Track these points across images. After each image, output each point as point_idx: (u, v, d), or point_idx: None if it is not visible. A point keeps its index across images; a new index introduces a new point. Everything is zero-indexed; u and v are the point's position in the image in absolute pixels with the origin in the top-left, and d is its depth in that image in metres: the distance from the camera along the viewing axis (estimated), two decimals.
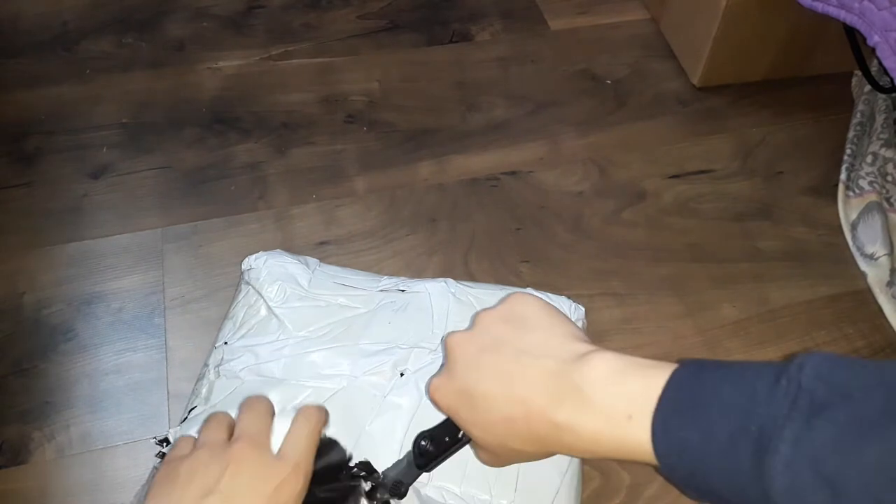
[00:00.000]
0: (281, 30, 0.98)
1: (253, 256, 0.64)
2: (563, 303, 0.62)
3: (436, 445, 0.46)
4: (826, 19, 0.74)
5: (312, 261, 0.64)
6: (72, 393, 0.66)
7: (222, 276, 0.74)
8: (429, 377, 0.53)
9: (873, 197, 0.81)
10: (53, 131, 0.86)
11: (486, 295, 0.62)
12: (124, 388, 0.67)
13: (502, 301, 0.44)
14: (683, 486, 0.34)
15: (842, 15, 0.72)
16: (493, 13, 1.01)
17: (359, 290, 0.62)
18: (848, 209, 0.81)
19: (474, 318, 0.44)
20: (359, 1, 1.02)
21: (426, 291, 0.62)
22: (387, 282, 0.63)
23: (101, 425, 0.64)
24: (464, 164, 0.84)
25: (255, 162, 0.83)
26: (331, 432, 0.50)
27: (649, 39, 0.99)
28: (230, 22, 0.99)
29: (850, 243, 0.79)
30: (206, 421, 0.46)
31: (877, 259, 0.76)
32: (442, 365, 0.47)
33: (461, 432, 0.45)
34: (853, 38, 0.81)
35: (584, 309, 0.62)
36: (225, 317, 0.63)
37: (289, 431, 0.45)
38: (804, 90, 0.93)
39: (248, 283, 0.63)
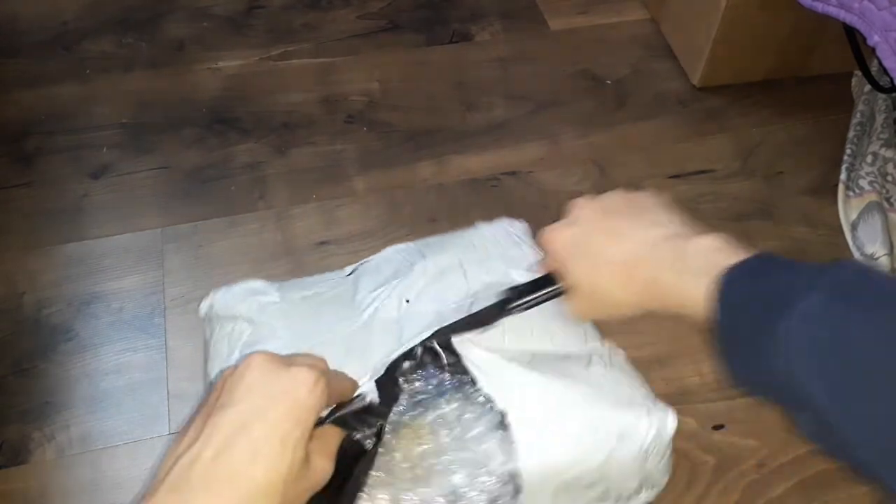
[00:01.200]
0: (281, 30, 0.98)
1: (209, 295, 0.61)
2: (504, 224, 0.66)
3: (526, 289, 0.51)
4: (826, 19, 0.74)
5: (271, 283, 0.63)
6: (72, 393, 0.66)
7: (222, 276, 0.74)
8: (433, 293, 0.56)
9: (873, 197, 0.81)
10: (53, 131, 0.86)
11: (444, 237, 0.65)
12: (124, 388, 0.67)
13: (624, 193, 0.52)
14: (728, 357, 0.38)
15: (842, 15, 0.72)
16: (493, 13, 1.01)
17: (328, 280, 0.63)
18: (848, 209, 0.81)
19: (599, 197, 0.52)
20: (359, 1, 1.02)
21: (390, 252, 0.64)
22: (350, 267, 0.65)
23: (101, 425, 0.64)
24: (464, 164, 0.84)
25: (255, 162, 0.83)
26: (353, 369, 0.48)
27: (649, 39, 0.99)
28: (230, 22, 0.99)
29: (850, 243, 0.79)
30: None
31: (877, 259, 0.76)
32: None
33: (555, 285, 0.50)
34: (853, 38, 0.81)
35: (525, 223, 0.67)
36: (206, 361, 0.59)
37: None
38: (804, 90, 0.93)
39: (217, 318, 0.60)
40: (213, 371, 0.57)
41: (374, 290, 0.59)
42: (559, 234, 0.50)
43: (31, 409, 0.65)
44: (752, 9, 0.84)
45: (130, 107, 0.88)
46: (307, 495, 0.39)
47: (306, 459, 0.38)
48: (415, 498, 0.47)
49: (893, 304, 0.33)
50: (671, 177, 0.84)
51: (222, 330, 0.59)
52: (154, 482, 0.36)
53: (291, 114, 0.88)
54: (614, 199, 0.50)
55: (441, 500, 0.47)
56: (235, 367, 0.40)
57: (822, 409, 0.32)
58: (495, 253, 0.62)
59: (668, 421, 0.52)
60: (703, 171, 0.85)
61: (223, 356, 0.57)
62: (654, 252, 0.45)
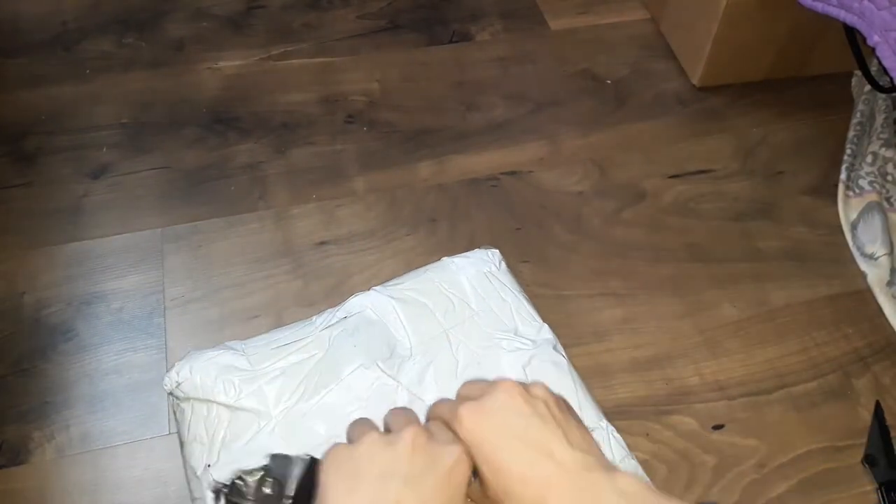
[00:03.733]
0: (281, 30, 0.98)
1: (173, 370, 0.57)
2: (479, 253, 0.65)
3: None
4: (826, 19, 0.74)
5: (234, 343, 0.60)
6: (72, 393, 0.66)
7: (222, 276, 0.74)
8: (428, 381, 0.53)
9: (873, 197, 0.81)
10: (53, 131, 0.86)
11: (416, 284, 0.62)
12: (124, 388, 0.67)
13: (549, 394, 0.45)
14: None
15: (842, 15, 0.72)
16: (493, 13, 1.01)
17: (302, 340, 0.59)
18: (848, 209, 0.81)
19: (517, 387, 0.43)
20: (359, 1, 1.02)
21: (366, 307, 0.61)
22: (321, 320, 0.61)
23: (101, 425, 0.64)
24: (464, 164, 0.84)
25: (255, 162, 0.83)
26: None
27: (649, 39, 0.99)
28: (230, 22, 0.99)
29: (850, 243, 0.79)
30: (353, 424, 0.45)
31: (877, 259, 0.76)
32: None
33: None
34: (853, 38, 0.81)
35: (498, 251, 0.66)
36: (183, 443, 0.56)
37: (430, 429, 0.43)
38: (804, 90, 0.93)
39: (186, 399, 0.56)
40: (194, 455, 0.54)
41: (356, 368, 0.57)
42: (477, 415, 0.42)
43: (31, 409, 0.65)
44: (752, 9, 0.84)
45: (130, 107, 0.88)
46: None
47: None
48: None
49: None
50: (671, 177, 0.84)
51: (197, 413, 0.55)
52: None
53: (291, 114, 0.88)
54: (538, 394, 0.43)
55: None
56: (395, 437, 0.40)
57: None
58: (480, 311, 0.61)
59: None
60: (703, 171, 0.85)
61: (204, 441, 0.54)
62: (574, 483, 0.39)
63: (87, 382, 0.67)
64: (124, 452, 0.63)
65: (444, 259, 0.65)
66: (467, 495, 0.42)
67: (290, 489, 0.40)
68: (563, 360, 0.59)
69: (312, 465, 0.41)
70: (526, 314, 0.62)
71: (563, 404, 0.43)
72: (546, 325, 0.62)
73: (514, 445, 0.40)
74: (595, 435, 0.47)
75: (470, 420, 0.41)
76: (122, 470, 0.62)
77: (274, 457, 0.41)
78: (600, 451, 0.41)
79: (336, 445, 0.42)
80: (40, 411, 0.65)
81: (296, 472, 0.41)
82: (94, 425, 0.64)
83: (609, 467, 0.39)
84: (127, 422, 0.65)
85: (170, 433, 0.64)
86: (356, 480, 0.39)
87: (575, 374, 0.59)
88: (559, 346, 0.61)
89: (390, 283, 0.63)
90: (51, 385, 0.67)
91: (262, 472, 0.40)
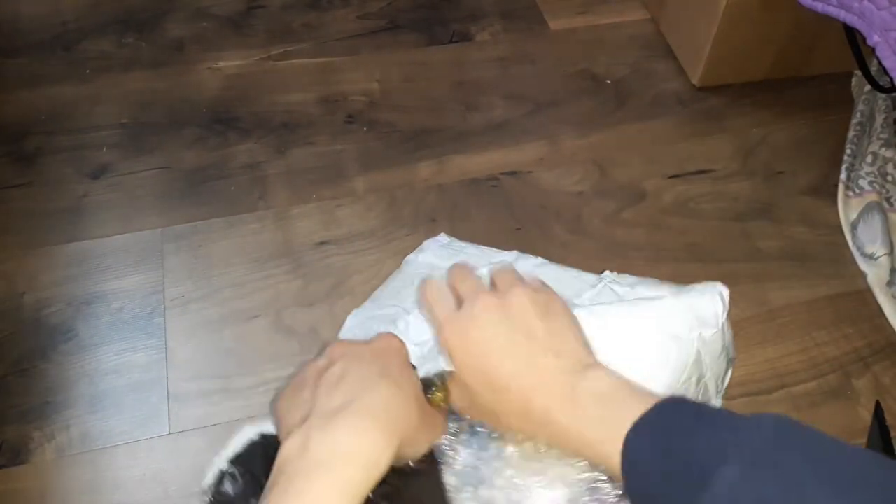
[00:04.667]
0: (281, 30, 0.98)
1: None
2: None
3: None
4: (826, 19, 0.74)
5: None
6: (72, 393, 0.66)
7: (222, 276, 0.74)
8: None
9: (873, 197, 0.81)
10: (53, 131, 0.85)
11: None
12: (124, 388, 0.67)
13: (535, 282, 0.46)
14: None
15: (842, 15, 0.72)
16: (493, 13, 1.01)
17: None
18: (848, 209, 0.81)
19: (505, 280, 0.45)
20: (359, 1, 1.02)
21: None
22: None
23: (101, 425, 0.64)
24: (464, 164, 0.84)
25: (255, 162, 0.83)
26: None
27: (649, 39, 0.99)
28: (230, 22, 0.99)
29: (850, 243, 0.79)
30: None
31: (877, 259, 0.76)
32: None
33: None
34: (853, 38, 0.81)
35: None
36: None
37: None
38: (804, 90, 0.93)
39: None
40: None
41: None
42: (457, 330, 0.43)
43: (31, 409, 0.65)
44: (752, 9, 0.84)
45: (130, 107, 0.88)
46: (426, 445, 0.42)
47: (424, 410, 0.40)
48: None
49: (813, 472, 0.31)
50: (671, 177, 0.84)
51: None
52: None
53: (291, 114, 0.88)
54: (520, 300, 0.43)
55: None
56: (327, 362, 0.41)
57: None
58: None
59: (722, 290, 0.50)
60: (703, 171, 0.85)
61: None
62: (549, 395, 0.40)
63: (87, 382, 0.67)
64: (124, 452, 0.63)
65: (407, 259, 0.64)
66: (431, 403, 0.44)
67: None
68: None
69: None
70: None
71: (543, 298, 0.44)
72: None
73: (493, 358, 0.42)
74: None
75: (449, 330, 0.43)
76: (121, 470, 0.62)
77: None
78: (577, 342, 0.42)
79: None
80: (40, 411, 0.65)
81: None
82: (94, 425, 0.64)
83: (586, 365, 0.40)
84: (127, 422, 0.65)
85: (169, 433, 0.64)
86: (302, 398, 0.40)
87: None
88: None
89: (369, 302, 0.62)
90: (51, 385, 0.67)
91: None
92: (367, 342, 0.43)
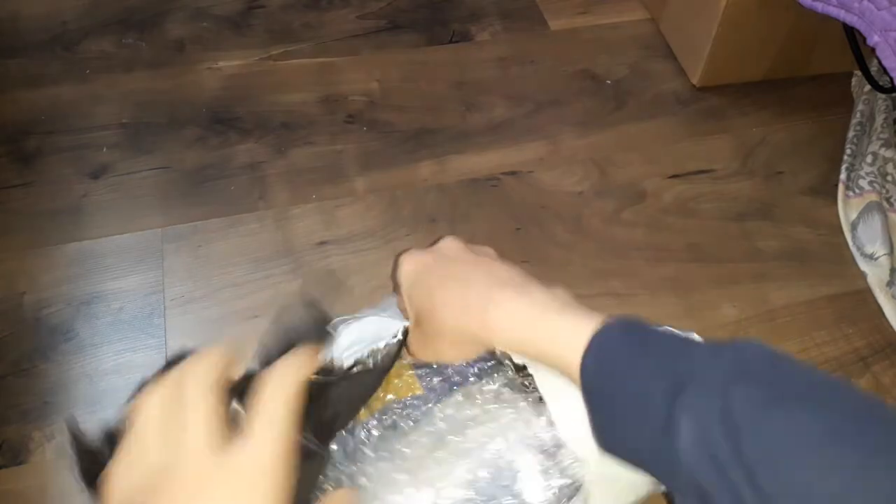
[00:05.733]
0: (281, 30, 0.98)
1: None
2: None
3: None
4: (826, 19, 0.75)
5: None
6: (72, 393, 0.66)
7: (222, 276, 0.74)
8: None
9: (873, 197, 0.81)
10: (53, 131, 0.85)
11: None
12: (124, 389, 0.66)
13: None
14: (597, 429, 0.38)
15: (842, 15, 0.72)
16: (493, 13, 1.01)
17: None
18: (848, 209, 0.81)
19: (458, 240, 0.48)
20: (359, 1, 1.02)
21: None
22: None
23: (101, 425, 0.64)
24: (464, 164, 0.84)
25: (255, 162, 0.83)
26: None
27: (649, 39, 0.99)
28: (230, 22, 0.99)
29: (850, 243, 0.79)
30: (127, 434, 0.37)
31: (877, 259, 0.76)
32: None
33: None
34: (853, 38, 0.81)
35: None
36: None
37: (249, 409, 0.34)
38: (804, 90, 0.93)
39: None
40: None
41: None
42: (415, 258, 0.47)
43: (31, 409, 0.65)
44: (751, 9, 0.84)
45: (130, 107, 0.88)
46: None
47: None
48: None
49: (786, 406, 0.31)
50: (671, 177, 0.84)
51: None
52: None
53: (291, 114, 0.88)
54: (483, 252, 0.47)
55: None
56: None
57: None
58: None
59: None
60: (702, 171, 0.85)
61: None
62: (511, 300, 0.42)
63: (87, 382, 0.67)
64: None
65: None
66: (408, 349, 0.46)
67: None
68: None
69: None
70: None
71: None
72: None
73: (451, 285, 0.43)
74: None
75: (408, 264, 0.46)
76: None
77: None
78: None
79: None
80: (40, 411, 0.65)
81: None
82: (94, 425, 0.64)
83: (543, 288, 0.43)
84: None
85: None
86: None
87: None
88: None
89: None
90: (51, 385, 0.67)
91: None
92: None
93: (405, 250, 0.48)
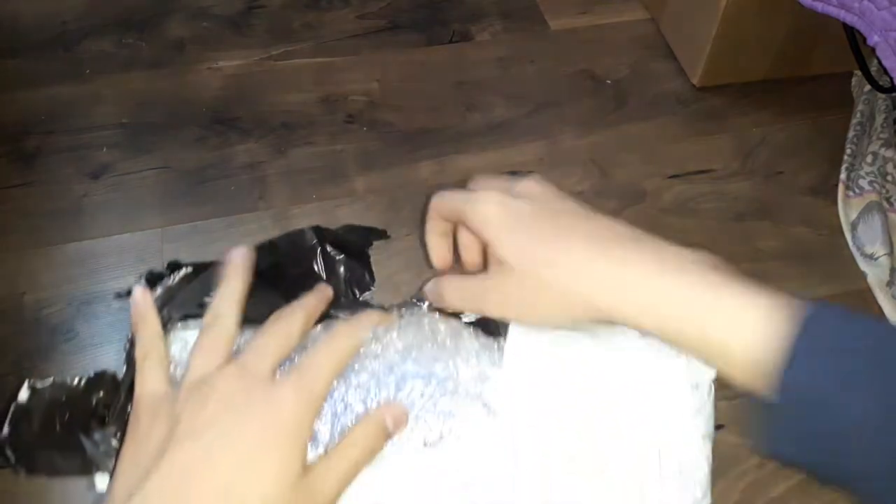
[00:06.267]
0: (281, 30, 0.98)
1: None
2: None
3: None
4: (826, 19, 0.74)
5: None
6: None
7: None
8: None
9: (873, 197, 0.81)
10: (53, 131, 0.85)
11: None
12: None
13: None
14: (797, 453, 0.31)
15: (842, 15, 0.72)
16: (493, 13, 1.01)
17: None
18: (848, 209, 0.81)
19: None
20: (359, 1, 1.02)
21: None
22: None
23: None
24: (464, 164, 0.84)
25: (255, 162, 0.83)
26: None
27: (649, 39, 0.99)
28: (230, 22, 0.99)
29: (850, 243, 0.79)
30: (203, 330, 0.38)
31: (877, 259, 0.76)
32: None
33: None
34: (853, 38, 0.81)
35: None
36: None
37: (305, 354, 0.37)
38: (804, 90, 0.93)
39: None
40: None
41: None
42: (503, 202, 0.41)
43: None
44: (751, 8, 0.84)
45: (130, 107, 0.88)
46: None
47: (306, 492, 0.32)
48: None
49: None
50: (671, 177, 0.84)
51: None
52: None
53: (291, 114, 0.88)
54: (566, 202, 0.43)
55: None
56: (200, 382, 0.34)
57: None
58: None
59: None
60: (702, 171, 0.85)
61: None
62: (642, 248, 0.38)
63: None
64: None
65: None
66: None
67: None
68: None
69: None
70: None
71: None
72: None
73: (572, 240, 0.40)
74: None
75: (494, 206, 0.41)
76: None
77: None
78: None
79: (142, 385, 0.38)
80: None
81: None
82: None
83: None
84: None
85: None
86: (144, 448, 0.34)
87: None
88: None
89: None
90: None
91: None
92: None
93: (477, 182, 0.45)
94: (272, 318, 0.39)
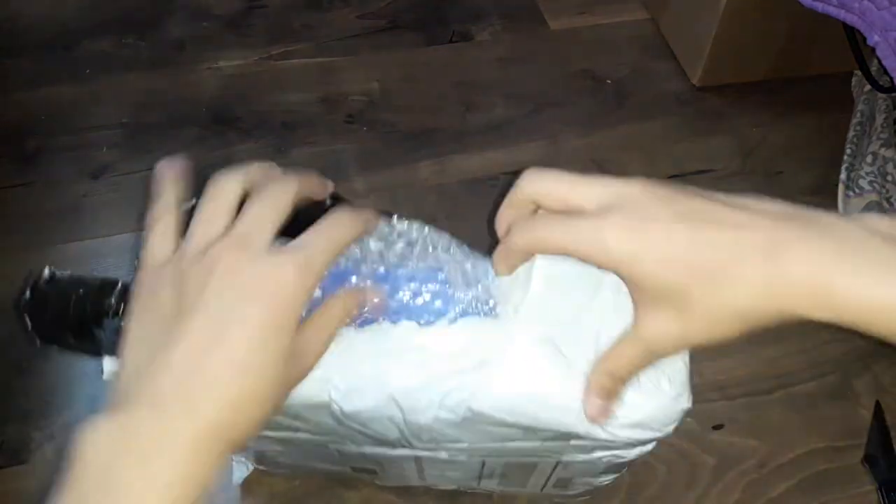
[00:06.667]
0: (281, 30, 0.98)
1: None
2: None
3: None
4: (826, 19, 0.74)
5: None
6: (72, 393, 0.66)
7: None
8: None
9: (873, 197, 0.81)
10: (53, 131, 0.85)
11: None
12: None
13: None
14: None
15: (842, 15, 0.72)
16: (493, 13, 1.01)
17: None
18: (848, 209, 0.81)
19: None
20: (359, 1, 1.02)
21: None
22: None
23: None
24: (464, 164, 0.84)
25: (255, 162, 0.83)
26: None
27: (649, 39, 0.99)
28: (230, 22, 0.99)
29: None
30: (203, 198, 0.39)
31: None
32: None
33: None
34: (853, 38, 0.81)
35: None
36: None
37: (306, 232, 0.36)
38: (804, 90, 0.93)
39: None
40: None
41: None
42: (625, 214, 0.33)
43: (31, 409, 0.65)
44: (751, 8, 0.84)
45: (130, 107, 0.88)
46: (296, 386, 0.35)
47: (296, 355, 0.34)
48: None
49: None
50: (671, 177, 0.84)
51: None
52: (117, 393, 0.32)
53: (291, 114, 0.88)
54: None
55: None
56: (201, 253, 0.34)
57: None
58: None
59: None
60: (702, 171, 0.85)
61: None
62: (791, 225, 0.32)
63: (87, 382, 0.67)
64: None
65: None
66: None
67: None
68: None
69: None
70: None
71: None
72: None
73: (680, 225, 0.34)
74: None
75: (621, 233, 0.33)
76: None
77: None
78: None
79: (149, 250, 0.38)
80: (40, 411, 0.65)
81: None
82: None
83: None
84: None
85: None
86: (152, 320, 0.35)
87: None
88: None
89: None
90: (51, 385, 0.66)
91: None
92: None
93: (537, 181, 0.37)
94: (266, 183, 0.39)
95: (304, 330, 0.35)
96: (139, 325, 0.34)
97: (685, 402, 0.43)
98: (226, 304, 0.32)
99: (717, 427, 0.66)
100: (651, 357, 0.36)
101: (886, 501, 0.62)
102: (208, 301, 0.32)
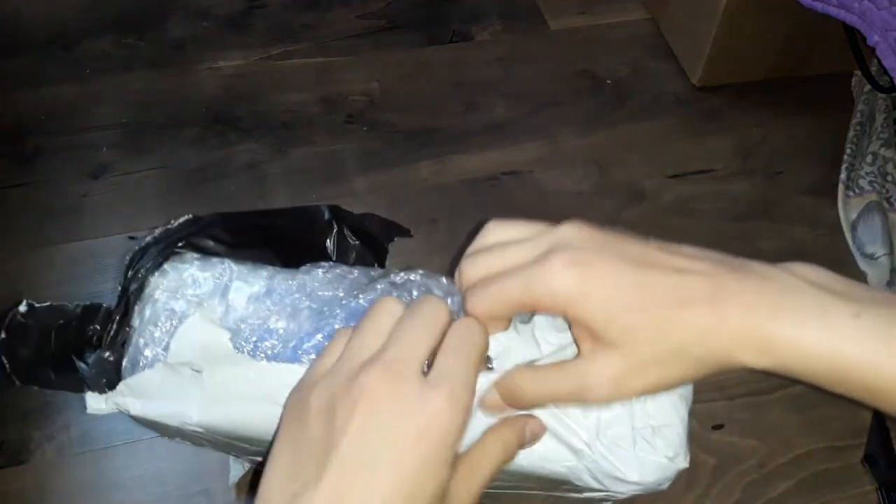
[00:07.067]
0: (281, 30, 0.98)
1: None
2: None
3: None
4: (826, 19, 0.74)
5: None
6: (72, 393, 0.66)
7: None
8: None
9: (873, 197, 0.81)
10: (53, 131, 0.85)
11: None
12: None
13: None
14: None
15: (842, 15, 0.72)
16: (493, 13, 1.01)
17: None
18: (848, 209, 0.81)
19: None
20: (359, 1, 1.02)
21: None
22: None
23: (101, 425, 0.64)
24: (464, 164, 0.84)
25: (255, 162, 0.83)
26: None
27: (649, 39, 0.99)
28: (230, 22, 0.99)
29: (850, 243, 0.79)
30: (365, 316, 0.36)
31: (877, 259, 0.76)
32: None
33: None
34: (853, 38, 0.81)
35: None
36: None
37: (440, 351, 0.34)
38: (804, 90, 0.93)
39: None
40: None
41: None
42: (574, 260, 0.34)
43: (31, 409, 0.65)
44: (752, 8, 0.84)
45: (130, 107, 0.88)
46: None
47: (444, 498, 0.32)
48: None
49: None
50: (671, 177, 0.84)
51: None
52: None
53: (291, 114, 0.88)
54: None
55: None
56: (350, 380, 0.32)
57: None
58: None
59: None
60: (702, 171, 0.85)
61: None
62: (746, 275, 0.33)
63: None
64: (124, 452, 0.63)
65: None
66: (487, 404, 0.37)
67: None
68: None
69: None
70: None
71: None
72: None
73: (630, 269, 0.34)
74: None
75: (564, 271, 0.33)
76: (121, 470, 0.62)
77: None
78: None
79: (311, 368, 0.36)
80: (40, 411, 0.65)
81: None
82: (94, 425, 0.64)
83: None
84: (127, 421, 0.64)
85: None
86: (300, 438, 0.33)
87: None
88: None
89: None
90: None
91: None
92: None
93: (490, 234, 0.39)
94: (416, 307, 0.35)
95: (454, 471, 0.32)
96: (287, 451, 0.33)
97: (682, 463, 0.42)
98: (375, 438, 0.31)
99: (717, 427, 0.66)
100: (578, 397, 0.34)
101: (886, 501, 0.62)
102: (357, 435, 0.31)
